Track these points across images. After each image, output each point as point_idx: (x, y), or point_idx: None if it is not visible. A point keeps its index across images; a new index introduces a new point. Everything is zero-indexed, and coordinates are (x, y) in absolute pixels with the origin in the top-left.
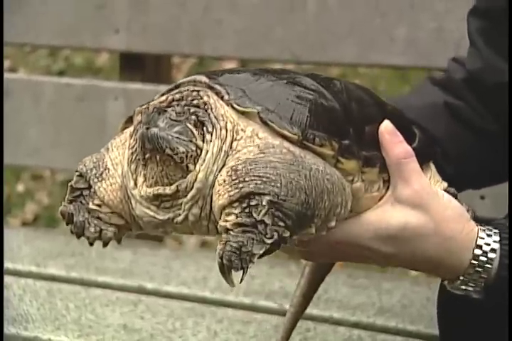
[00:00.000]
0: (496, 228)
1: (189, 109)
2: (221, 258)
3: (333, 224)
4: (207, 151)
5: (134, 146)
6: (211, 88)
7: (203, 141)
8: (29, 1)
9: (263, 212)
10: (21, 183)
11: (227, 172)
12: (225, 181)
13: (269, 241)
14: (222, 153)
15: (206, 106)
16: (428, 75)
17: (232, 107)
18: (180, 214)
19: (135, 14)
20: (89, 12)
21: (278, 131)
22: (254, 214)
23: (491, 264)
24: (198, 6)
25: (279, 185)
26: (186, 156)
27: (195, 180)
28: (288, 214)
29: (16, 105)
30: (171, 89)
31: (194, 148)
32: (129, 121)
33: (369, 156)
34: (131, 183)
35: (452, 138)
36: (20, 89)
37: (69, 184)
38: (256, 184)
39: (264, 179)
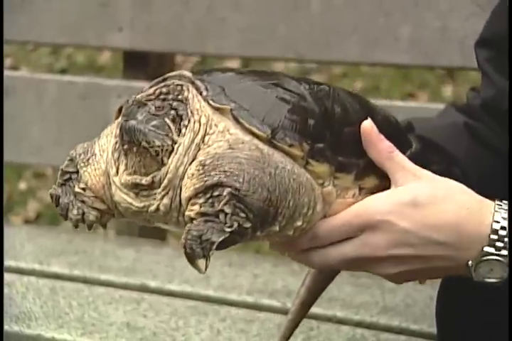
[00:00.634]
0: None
1: (170, 104)
2: (184, 247)
3: (299, 223)
4: (180, 144)
5: (117, 135)
6: (193, 83)
7: (179, 136)
8: None
9: (223, 201)
10: (23, 181)
11: (196, 166)
12: (193, 175)
13: (228, 230)
14: (194, 146)
15: (186, 101)
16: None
17: (208, 103)
18: (153, 204)
19: (138, 12)
20: (92, 10)
21: (247, 127)
22: (216, 204)
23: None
24: (202, 4)
25: (241, 180)
26: (162, 150)
27: (167, 171)
28: (249, 207)
29: (19, 103)
30: (159, 82)
31: (170, 143)
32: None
33: (345, 162)
34: (113, 170)
35: (471, 158)
36: (23, 87)
37: (60, 167)
38: (219, 177)
39: (228, 173)
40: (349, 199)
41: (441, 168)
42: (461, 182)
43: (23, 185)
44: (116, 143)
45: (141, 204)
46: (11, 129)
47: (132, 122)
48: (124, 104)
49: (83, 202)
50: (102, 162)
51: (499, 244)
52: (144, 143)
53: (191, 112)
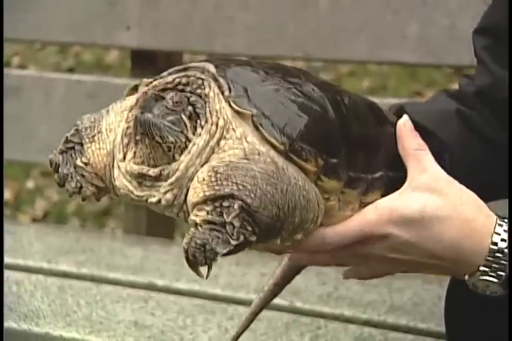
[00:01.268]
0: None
1: (188, 99)
2: (186, 252)
3: (299, 236)
4: (194, 144)
5: (131, 121)
6: (216, 80)
7: (194, 134)
8: None
9: (233, 214)
10: (31, 180)
11: (208, 171)
12: (204, 180)
13: (234, 243)
14: (208, 149)
15: (206, 99)
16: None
17: (229, 105)
18: (155, 196)
19: (146, 11)
20: (100, 8)
21: (266, 138)
22: (225, 215)
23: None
24: (210, 2)
25: (253, 195)
26: (174, 146)
27: (177, 169)
28: (257, 222)
29: (27, 102)
30: (179, 70)
31: (183, 140)
32: (135, 89)
33: (354, 178)
34: (120, 156)
35: (461, 145)
36: (31, 86)
37: (65, 135)
38: (231, 189)
39: (241, 187)
40: (348, 213)
41: (431, 154)
42: (449, 169)
43: (30, 184)
44: (127, 128)
45: (142, 194)
46: (19, 128)
47: (148, 115)
48: (141, 83)
49: (83, 176)
50: (107, 142)
51: (495, 266)
52: (157, 138)
53: (210, 113)
